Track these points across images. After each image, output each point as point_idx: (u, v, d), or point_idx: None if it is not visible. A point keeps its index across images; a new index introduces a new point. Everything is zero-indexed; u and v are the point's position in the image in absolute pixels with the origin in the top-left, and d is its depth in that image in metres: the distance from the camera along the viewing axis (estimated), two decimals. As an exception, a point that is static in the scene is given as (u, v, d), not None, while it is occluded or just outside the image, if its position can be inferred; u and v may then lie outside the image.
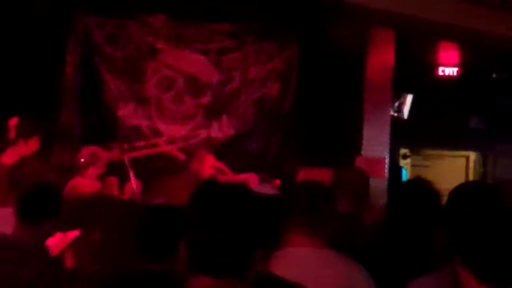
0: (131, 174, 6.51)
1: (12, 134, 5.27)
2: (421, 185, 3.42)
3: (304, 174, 6.76)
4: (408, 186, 3.76)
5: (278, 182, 6.53)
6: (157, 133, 7.69)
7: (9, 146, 5.28)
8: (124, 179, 7.08)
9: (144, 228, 3.00)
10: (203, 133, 7.70)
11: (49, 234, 3.44)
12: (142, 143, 7.62)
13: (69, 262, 5.27)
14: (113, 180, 7.30)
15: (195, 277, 1.81)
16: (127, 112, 7.65)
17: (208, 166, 6.36)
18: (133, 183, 6.52)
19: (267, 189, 5.35)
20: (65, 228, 5.58)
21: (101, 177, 6.91)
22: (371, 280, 2.81)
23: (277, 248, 2.70)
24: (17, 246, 3.25)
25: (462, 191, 2.67)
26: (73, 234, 5.39)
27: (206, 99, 7.71)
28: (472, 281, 2.03)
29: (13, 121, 5.32)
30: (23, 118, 5.41)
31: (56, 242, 5.02)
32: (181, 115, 7.71)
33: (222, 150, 7.34)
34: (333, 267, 2.83)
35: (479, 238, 2.05)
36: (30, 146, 5.32)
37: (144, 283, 2.83)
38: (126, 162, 6.60)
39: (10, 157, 5.24)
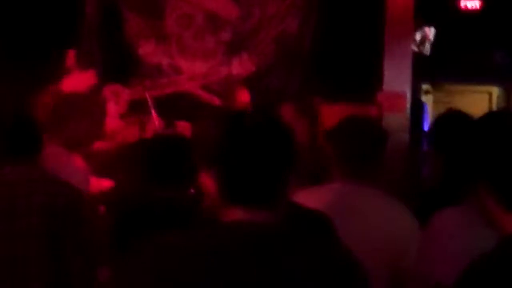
0: (153, 112, 6.55)
1: (69, 63, 5.29)
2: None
3: (325, 109, 6.77)
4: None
5: None
6: (178, 71, 7.70)
7: (66, 74, 5.31)
8: (146, 117, 7.14)
9: (153, 156, 3.04)
10: (223, 70, 7.69)
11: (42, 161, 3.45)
12: (163, 80, 7.64)
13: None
14: (135, 119, 7.37)
15: (228, 208, 1.81)
16: (147, 50, 7.65)
17: (240, 101, 6.32)
18: (156, 121, 6.56)
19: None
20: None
21: (123, 116, 6.97)
22: (416, 223, 2.81)
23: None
24: (22, 179, 3.27)
25: (487, 119, 2.61)
26: (106, 183, 5.48)
27: (226, 36, 7.68)
28: (498, 209, 1.94)
29: (71, 52, 5.35)
30: (80, 50, 5.44)
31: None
32: (202, 52, 7.69)
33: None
34: (373, 203, 2.86)
35: (504, 163, 1.96)
36: (87, 77, 5.33)
37: (158, 208, 2.88)
38: (148, 100, 6.64)
39: (68, 85, 5.26)
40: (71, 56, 5.34)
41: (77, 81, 5.27)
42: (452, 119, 3.41)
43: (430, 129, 3.48)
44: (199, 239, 1.79)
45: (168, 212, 2.85)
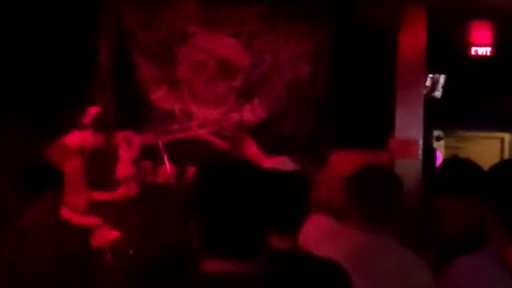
0: (165, 158, 6.55)
1: (87, 120, 5.35)
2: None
3: (336, 156, 6.75)
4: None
5: None
6: (190, 117, 7.71)
7: (77, 129, 5.37)
8: (158, 163, 7.14)
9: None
10: (235, 116, 7.71)
11: (55, 207, 3.45)
12: (175, 127, 7.66)
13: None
14: (147, 164, 7.38)
15: (207, 259, 1.80)
16: (160, 96, 7.69)
17: (250, 153, 6.24)
18: (167, 167, 6.56)
19: (288, 165, 5.34)
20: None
21: (135, 161, 6.98)
22: (430, 274, 2.76)
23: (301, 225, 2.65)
24: (34, 225, 3.27)
25: (505, 165, 2.55)
26: (114, 233, 5.49)
27: (238, 82, 7.72)
28: None
29: (93, 109, 5.42)
30: (102, 112, 5.51)
31: (98, 236, 5.14)
32: (214, 98, 7.72)
33: (254, 133, 7.34)
34: (389, 254, 2.82)
35: None
36: (95, 139, 5.44)
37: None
38: (160, 146, 6.65)
39: (74, 140, 5.34)
40: (89, 115, 5.41)
41: (86, 139, 5.36)
42: (465, 164, 3.37)
43: (444, 172, 3.38)
44: None
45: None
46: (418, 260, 2.86)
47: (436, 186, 3.24)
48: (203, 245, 1.80)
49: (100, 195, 5.68)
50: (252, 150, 6.21)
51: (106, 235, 5.26)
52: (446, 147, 10.74)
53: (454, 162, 3.50)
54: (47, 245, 3.21)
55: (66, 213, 4.92)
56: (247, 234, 1.79)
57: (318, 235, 2.99)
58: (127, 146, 7.11)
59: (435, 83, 9.01)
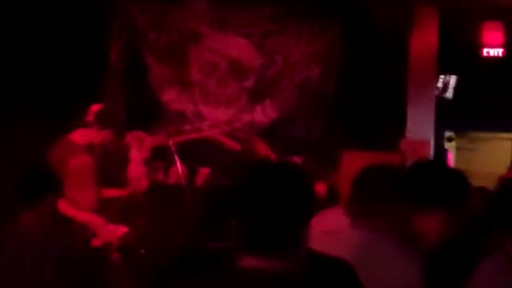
0: (177, 159, 6.55)
1: (90, 117, 5.37)
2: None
3: (347, 157, 6.75)
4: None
5: None
6: (201, 118, 7.73)
7: (82, 127, 5.39)
8: (169, 164, 7.15)
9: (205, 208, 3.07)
10: (246, 117, 7.72)
11: (53, 211, 3.41)
12: (186, 127, 7.67)
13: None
14: (159, 165, 7.39)
15: (245, 256, 1.85)
16: (171, 97, 7.71)
17: (261, 154, 6.26)
18: (179, 168, 6.56)
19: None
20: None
21: (147, 162, 7.00)
22: (421, 272, 2.77)
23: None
24: (33, 230, 3.22)
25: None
26: (122, 230, 5.50)
27: (249, 83, 7.73)
28: None
29: (95, 107, 5.43)
30: (105, 107, 5.52)
31: (104, 233, 5.15)
32: (225, 99, 7.73)
33: (265, 134, 7.36)
34: (384, 253, 2.81)
35: None
36: (102, 135, 5.45)
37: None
38: (171, 146, 6.65)
39: (80, 137, 5.37)
40: (93, 111, 5.42)
41: (92, 136, 5.38)
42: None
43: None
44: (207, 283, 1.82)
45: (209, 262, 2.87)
46: (413, 258, 2.84)
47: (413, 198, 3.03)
48: (242, 243, 1.86)
49: (110, 192, 5.70)
50: (262, 151, 6.22)
51: (113, 232, 5.27)
52: (458, 148, 10.70)
53: (428, 170, 3.21)
54: (50, 251, 3.17)
55: (70, 210, 4.97)
56: (285, 232, 1.84)
57: (319, 232, 2.99)
58: (139, 147, 7.12)
59: (446, 84, 8.99)
